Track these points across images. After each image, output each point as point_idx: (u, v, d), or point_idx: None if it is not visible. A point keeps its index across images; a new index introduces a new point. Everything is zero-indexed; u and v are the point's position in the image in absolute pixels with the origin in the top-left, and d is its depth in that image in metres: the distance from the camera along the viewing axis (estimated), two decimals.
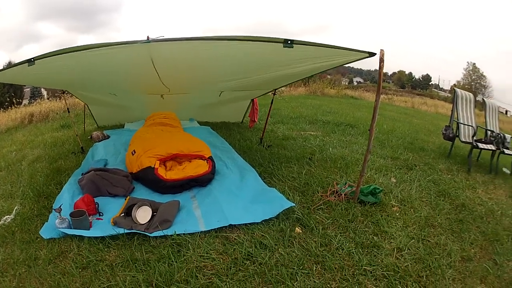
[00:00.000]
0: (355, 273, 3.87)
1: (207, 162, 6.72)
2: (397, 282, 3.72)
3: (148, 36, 4.55)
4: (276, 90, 9.30)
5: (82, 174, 6.56)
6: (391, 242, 4.48)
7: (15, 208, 5.62)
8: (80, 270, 3.98)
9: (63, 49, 4.58)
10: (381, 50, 4.70)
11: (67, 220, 4.83)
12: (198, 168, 6.45)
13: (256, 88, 9.29)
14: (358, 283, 3.72)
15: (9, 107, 20.87)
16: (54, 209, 4.96)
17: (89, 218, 5.05)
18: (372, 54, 4.80)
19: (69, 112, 9.89)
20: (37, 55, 4.68)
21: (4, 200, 6.14)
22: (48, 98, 22.86)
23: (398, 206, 5.54)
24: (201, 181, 6.35)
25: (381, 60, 4.69)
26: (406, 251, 4.30)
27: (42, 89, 53.57)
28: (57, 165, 7.66)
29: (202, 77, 7.59)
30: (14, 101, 21.24)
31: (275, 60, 5.78)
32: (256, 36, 4.35)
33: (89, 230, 4.85)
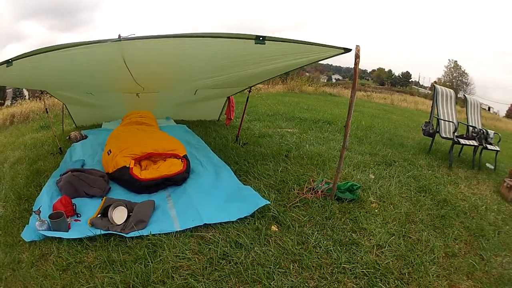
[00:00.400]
0: (334, 271, 3.84)
1: (181, 161, 6.69)
2: (378, 279, 3.71)
3: (119, 35, 4.50)
4: (253, 88, 9.26)
5: (60, 175, 6.47)
6: (370, 239, 4.48)
7: None
8: (61, 272, 3.95)
9: (38, 49, 4.52)
10: (356, 46, 4.70)
11: (46, 222, 4.78)
12: (173, 167, 6.40)
13: (231, 86, 9.32)
14: (337, 282, 3.69)
15: None
16: (34, 211, 4.94)
17: (68, 220, 5.00)
18: (347, 50, 4.80)
19: (47, 112, 9.71)
20: (14, 56, 4.60)
21: None
22: (29, 99, 22.80)
23: (377, 202, 5.53)
24: (176, 180, 6.32)
25: (357, 56, 4.71)
26: (386, 248, 4.29)
27: (24, 90, 53.40)
28: (36, 167, 7.58)
29: (175, 75, 7.61)
30: None
31: (248, 57, 5.73)
32: (228, 33, 4.28)
33: (67, 231, 4.79)
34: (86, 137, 9.69)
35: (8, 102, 33.63)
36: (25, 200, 5.84)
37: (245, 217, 4.92)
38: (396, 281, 3.71)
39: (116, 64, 5.87)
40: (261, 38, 4.25)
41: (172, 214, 5.25)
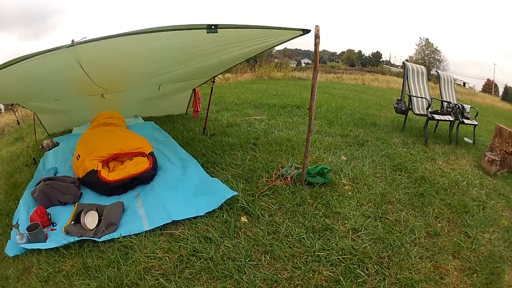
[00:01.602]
0: (308, 260, 3.80)
1: (147, 158, 6.63)
2: (355, 265, 3.68)
3: (72, 40, 4.50)
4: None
5: (35, 185, 6.39)
6: (345, 223, 4.43)
7: None
8: (43, 283, 3.92)
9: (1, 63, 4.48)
10: (316, 26, 4.66)
11: (25, 234, 4.76)
12: (139, 165, 6.34)
13: (194, 78, 9.33)
14: (312, 271, 3.65)
15: None
16: (13, 226, 4.93)
17: (44, 230, 4.95)
18: (306, 31, 4.76)
19: (18, 124, 9.70)
20: None
21: None
22: (5, 111, 22.60)
23: (350, 184, 5.49)
24: (144, 179, 6.25)
25: (317, 36, 4.66)
26: (362, 231, 4.24)
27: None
28: (13, 180, 7.45)
29: (135, 73, 7.55)
30: None
31: (205, 48, 5.67)
32: (179, 25, 4.30)
33: (45, 242, 4.76)
34: (58, 144, 9.56)
35: None
36: (6, 215, 5.77)
37: (214, 210, 4.88)
38: (375, 266, 3.67)
39: (73, 69, 5.81)
40: (212, 27, 4.24)
41: (141, 214, 5.20)
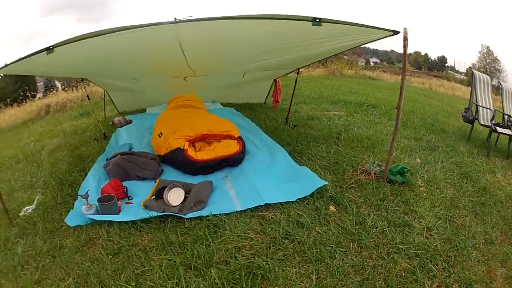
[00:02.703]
0: (390, 251, 3.99)
1: (237, 142, 6.79)
2: (428, 260, 3.85)
3: (175, 18, 4.63)
4: (299, 70, 9.40)
5: (106, 159, 6.65)
6: (420, 222, 4.59)
7: (37, 198, 5.63)
8: (111, 256, 4.03)
9: (84, 34, 4.61)
10: (404, 28, 4.71)
11: (94, 206, 4.87)
12: (229, 148, 6.53)
13: (280, 68, 9.31)
14: (393, 261, 3.84)
15: (23, 101, 21.09)
16: (81, 196, 5.01)
17: (118, 203, 5.11)
18: (396, 32, 4.78)
19: (89, 99, 10.05)
20: (55, 43, 4.58)
21: (23, 191, 6.20)
22: (63, 89, 23.24)
23: (424, 186, 5.62)
24: (232, 161, 6.44)
25: (405, 39, 4.72)
26: (434, 231, 4.40)
27: (56, 81, 53.68)
28: (79, 153, 7.75)
29: (229, 57, 7.62)
30: (29, 94, 21.50)
31: (302, 39, 5.76)
32: (285, 15, 4.38)
33: (118, 215, 4.90)
34: (130, 121, 9.90)
35: (39, 95, 33.74)
36: (68, 185, 5.99)
37: (304, 197, 5.02)
38: (443, 263, 3.85)
39: (171, 47, 6.04)
40: (317, 20, 4.22)
41: (231, 195, 5.37)
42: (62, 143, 8.98)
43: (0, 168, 5.18)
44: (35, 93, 29.97)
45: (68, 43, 4.63)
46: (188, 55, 6.66)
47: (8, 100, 22.52)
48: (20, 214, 5.24)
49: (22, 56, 4.93)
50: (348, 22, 4.47)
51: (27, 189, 6.27)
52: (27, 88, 35.74)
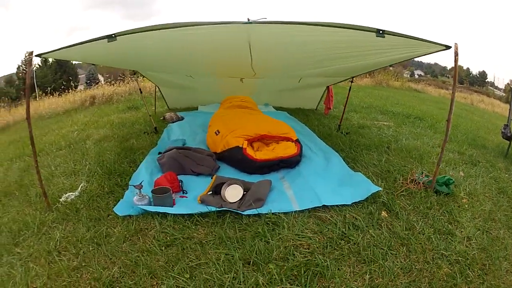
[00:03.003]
0: (434, 257, 4.20)
1: (295, 144, 7.02)
2: (467, 267, 4.06)
3: (248, 18, 4.73)
4: (353, 78, 9.72)
5: (159, 152, 6.92)
6: (462, 231, 4.81)
7: (81, 185, 5.91)
8: (164, 248, 4.19)
9: (149, 26, 4.75)
10: (455, 43, 4.88)
11: (147, 197, 5.11)
12: (288, 149, 6.79)
13: (335, 75, 9.58)
14: (437, 266, 4.05)
15: (65, 91, 21.67)
16: (134, 186, 5.21)
17: (172, 196, 5.27)
18: (448, 47, 4.93)
19: (141, 92, 10.29)
20: (119, 31, 4.71)
21: (65, 177, 6.51)
22: (109, 83, 23.44)
23: (467, 198, 5.81)
24: (290, 163, 6.71)
25: (456, 54, 4.92)
26: (473, 240, 4.60)
27: (99, 75, 54.58)
28: (128, 144, 8.10)
29: (291, 61, 7.82)
30: (72, 84, 22.14)
31: (362, 49, 6.05)
32: (353, 24, 4.56)
33: (172, 207, 5.06)
34: (182, 118, 10.29)
35: (81, 87, 34.33)
36: (117, 175, 6.32)
37: (359, 202, 5.26)
38: (479, 271, 4.05)
39: (240, 46, 6.26)
40: (381, 32, 4.50)
41: (289, 195, 5.60)
42: (109, 134, 9.36)
43: (40, 153, 5.30)
44: (77, 83, 30.59)
45: (131, 33, 4.83)
46: (254, 56, 6.91)
47: (49, 88, 22.99)
48: (61, 199, 5.48)
49: (82, 40, 4.99)
50: (408, 35, 4.71)
51: (70, 175, 6.59)
52: (70, 78, 36.39)
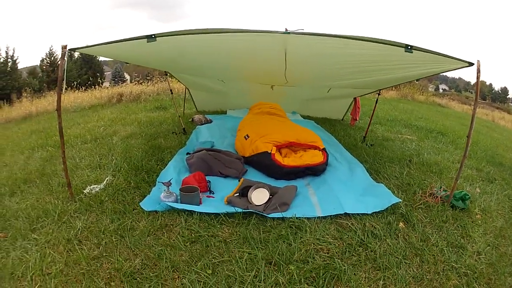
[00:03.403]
0: (445, 268, 4.37)
1: (322, 153, 7.25)
2: (474, 280, 4.21)
3: (286, 28, 5.07)
4: (380, 91, 9.94)
5: (187, 153, 7.26)
6: (473, 246, 4.95)
7: (106, 178, 6.23)
8: (188, 243, 4.41)
9: (190, 29, 5.02)
10: (477, 61, 5.07)
11: (174, 194, 5.35)
12: (315, 157, 7.02)
13: (363, 87, 9.85)
14: (446, 278, 4.22)
15: (91, 87, 22.42)
16: (163, 183, 5.46)
17: (200, 195, 5.51)
18: (471, 64, 5.16)
19: (172, 93, 10.72)
20: (159, 32, 4.93)
21: (90, 170, 6.88)
22: (138, 81, 24.21)
23: (480, 214, 5.98)
24: (316, 170, 6.96)
25: (478, 71, 5.11)
26: (483, 255, 4.74)
27: (125, 73, 55.03)
28: (156, 143, 8.48)
29: (322, 72, 8.24)
30: (100, 80, 22.66)
31: (391, 63, 6.33)
32: (382, 39, 4.85)
33: (198, 206, 5.30)
34: (210, 121, 10.61)
35: (106, 84, 34.80)
36: (145, 172, 6.64)
37: (379, 211, 5.48)
38: (485, 285, 4.22)
39: (276, 55, 6.52)
40: (409, 47, 4.78)
41: (313, 201, 5.85)
42: (136, 132, 9.80)
43: (64, 145, 5.62)
44: (103, 80, 31.17)
45: (171, 35, 5.13)
46: (289, 64, 7.24)
47: (75, 83, 23.72)
48: (85, 191, 5.79)
49: (120, 38, 5.24)
50: (434, 51, 4.93)
51: (95, 169, 6.93)
52: (98, 74, 36.96)
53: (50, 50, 51.06)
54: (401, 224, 5.28)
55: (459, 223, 5.55)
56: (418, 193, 6.43)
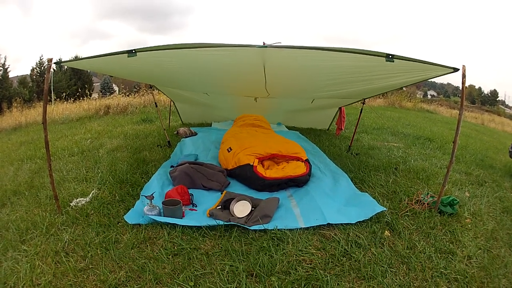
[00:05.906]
0: (433, 275, 4.23)
1: (305, 164, 7.12)
2: (465, 285, 4.07)
3: (264, 42, 4.94)
4: (365, 100, 9.86)
5: (171, 166, 7.11)
6: (463, 250, 4.82)
7: (92, 191, 6.16)
8: (171, 256, 4.34)
9: (169, 44, 4.93)
10: (463, 66, 5.00)
11: (157, 208, 5.25)
12: (297, 169, 6.89)
13: (347, 97, 9.71)
14: (435, 284, 4.08)
15: (80, 99, 21.88)
16: (145, 196, 5.34)
17: (182, 208, 5.43)
18: (456, 70, 5.08)
19: (156, 106, 10.37)
20: (139, 47, 4.92)
21: (77, 183, 6.77)
22: (125, 93, 23.80)
23: (470, 218, 5.83)
24: (298, 182, 6.79)
25: (463, 76, 5.01)
26: (474, 259, 4.62)
27: (114, 84, 55.02)
28: (141, 156, 8.32)
29: (303, 84, 8.05)
30: (88, 92, 22.49)
31: (373, 73, 6.19)
32: (362, 50, 4.78)
33: (181, 219, 5.23)
34: (195, 133, 10.52)
35: (95, 95, 34.78)
36: (129, 185, 6.55)
37: (363, 221, 5.34)
38: None
39: (254, 68, 6.38)
40: (390, 57, 4.70)
41: (296, 212, 5.68)
42: (122, 145, 9.66)
43: (52, 158, 5.43)
44: (91, 91, 30.98)
45: (151, 50, 5.09)
46: (268, 78, 7.09)
47: (64, 94, 23.50)
48: (71, 204, 5.73)
49: (101, 53, 5.36)
50: (416, 59, 4.87)
51: (81, 181, 6.83)
52: (86, 86, 36.74)
53: (40, 59, 51.44)
54: (386, 233, 5.15)
55: (448, 229, 5.43)
56: (404, 201, 6.34)
